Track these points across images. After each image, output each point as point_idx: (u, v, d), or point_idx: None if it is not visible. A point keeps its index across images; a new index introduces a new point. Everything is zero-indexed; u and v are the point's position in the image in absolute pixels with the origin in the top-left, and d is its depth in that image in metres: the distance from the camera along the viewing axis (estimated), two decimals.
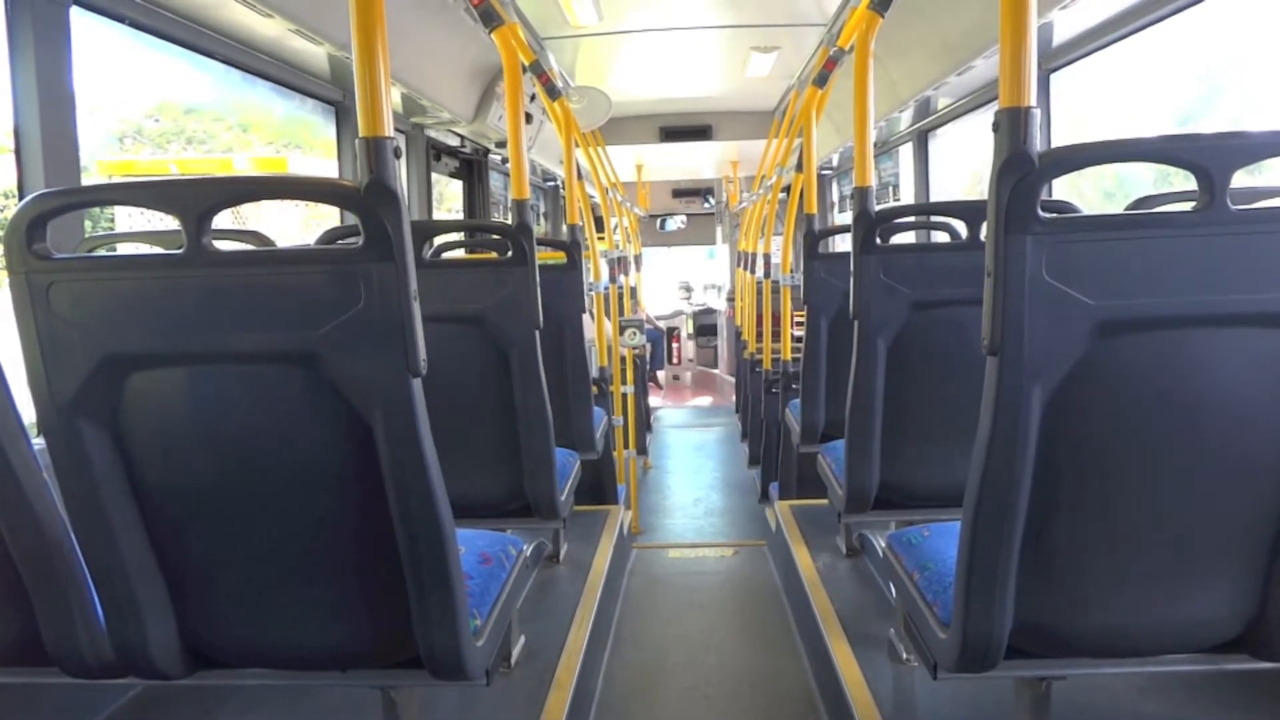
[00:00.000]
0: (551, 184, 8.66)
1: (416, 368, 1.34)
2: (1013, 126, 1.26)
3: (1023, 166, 1.26)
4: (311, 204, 4.37)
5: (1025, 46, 1.25)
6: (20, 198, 2.06)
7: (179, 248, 1.33)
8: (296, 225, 4.59)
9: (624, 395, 4.67)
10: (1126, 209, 2.34)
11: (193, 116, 4.19)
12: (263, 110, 4.21)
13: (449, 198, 5.94)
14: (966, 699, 2.25)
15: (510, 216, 2.51)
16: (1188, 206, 1.33)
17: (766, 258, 5.64)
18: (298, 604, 1.56)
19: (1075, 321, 1.30)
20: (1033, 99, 1.25)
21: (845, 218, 7.56)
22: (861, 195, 2.36)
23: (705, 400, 10.46)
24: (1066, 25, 3.15)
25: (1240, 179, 1.32)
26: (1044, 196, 1.30)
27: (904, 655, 2.41)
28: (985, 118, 4.25)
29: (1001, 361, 1.32)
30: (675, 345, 11.64)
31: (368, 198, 1.29)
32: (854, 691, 2.33)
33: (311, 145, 4.28)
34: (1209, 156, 1.27)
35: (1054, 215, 1.31)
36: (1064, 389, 1.33)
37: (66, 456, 1.41)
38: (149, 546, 1.50)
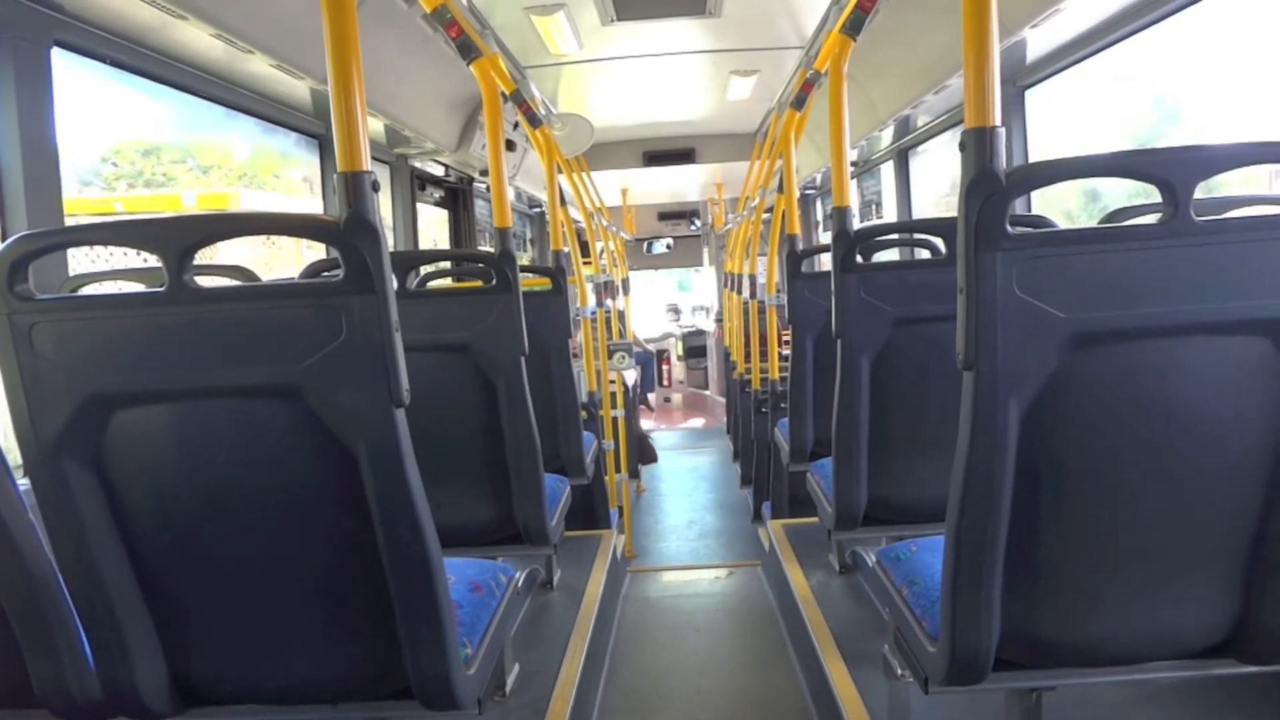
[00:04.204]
0: (537, 210, 8.69)
1: (400, 398, 1.34)
2: (979, 146, 1.28)
3: (990, 185, 1.28)
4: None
5: (988, 67, 1.28)
6: (2, 238, 2.07)
7: (161, 285, 1.34)
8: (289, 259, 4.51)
9: (614, 419, 4.67)
10: (1100, 221, 2.38)
11: (151, 159, 4.09)
12: (225, 150, 4.11)
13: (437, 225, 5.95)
14: (961, 713, 2.25)
15: (494, 244, 2.53)
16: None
17: (752, 278, 5.67)
18: (287, 638, 1.56)
19: (1048, 335, 1.32)
20: (997, 118, 1.28)
21: (830, 237, 7.58)
22: (840, 215, 2.39)
23: (697, 422, 10.45)
24: (1039, 42, 3.19)
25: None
26: (1023, 211, 1.32)
27: (898, 671, 2.41)
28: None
29: (977, 376, 1.34)
30: (665, 368, 11.65)
31: (347, 231, 1.30)
32: (849, 709, 2.33)
33: (273, 185, 4.19)
34: (1171, 170, 1.29)
35: (1025, 230, 1.33)
36: (1040, 401, 1.35)
37: (52, 496, 1.41)
38: (136, 584, 1.50)
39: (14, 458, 1.45)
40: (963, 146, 1.30)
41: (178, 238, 1.33)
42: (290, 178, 3.90)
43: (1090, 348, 1.33)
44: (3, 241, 1.48)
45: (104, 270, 2.66)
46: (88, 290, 2.15)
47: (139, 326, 1.36)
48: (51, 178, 2.14)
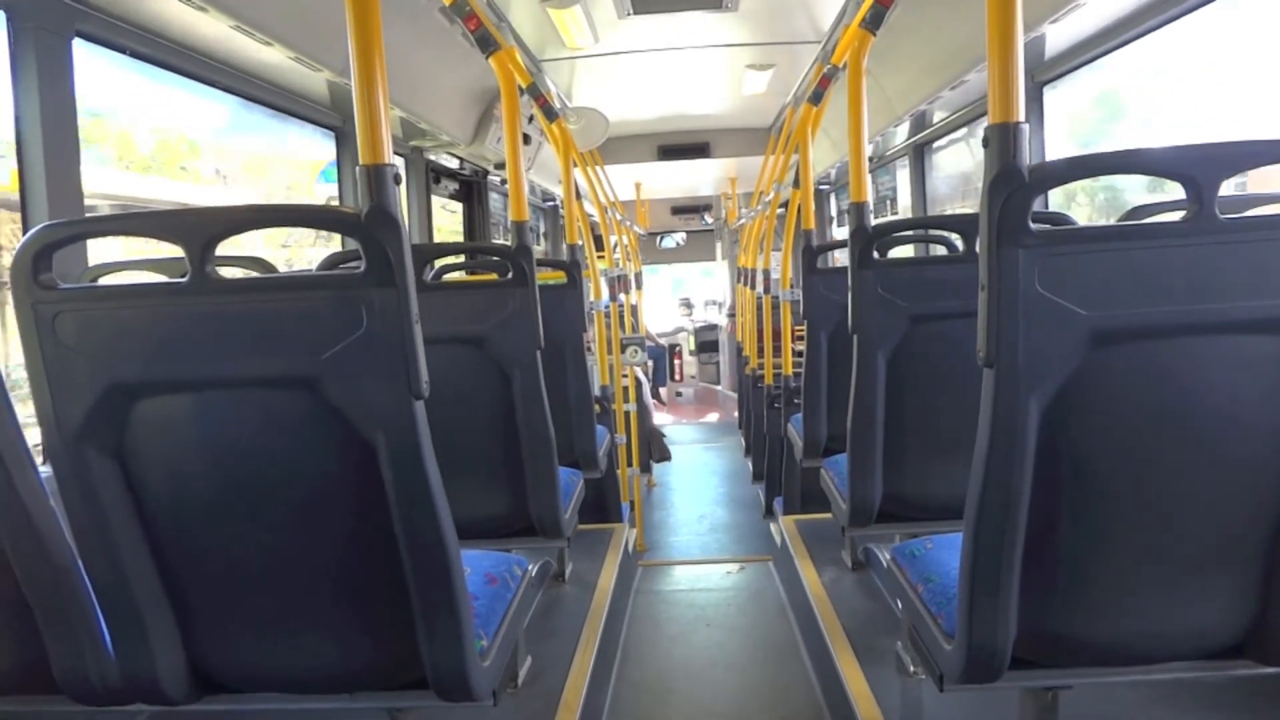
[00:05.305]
0: (551, 204, 8.70)
1: (419, 390, 1.35)
2: (1002, 142, 1.28)
3: (1013, 181, 1.28)
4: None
5: (1013, 62, 1.27)
6: (25, 228, 2.08)
7: (183, 275, 1.35)
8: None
9: (626, 413, 4.68)
10: (1120, 219, 2.36)
11: None
12: (126, 139, 3.82)
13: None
14: (975, 711, 2.24)
15: (510, 237, 2.54)
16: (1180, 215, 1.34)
17: (766, 273, 5.66)
18: (305, 627, 1.57)
19: (1069, 332, 1.31)
20: (1021, 114, 1.27)
21: (844, 232, 7.58)
22: (857, 210, 2.38)
23: (709, 417, 10.45)
24: (1059, 37, 3.17)
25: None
26: (1040, 208, 1.31)
27: (911, 668, 2.40)
28: (981, 129, 4.29)
29: (997, 373, 1.33)
30: (677, 362, 11.64)
31: (369, 224, 1.30)
32: (862, 706, 2.33)
33: (180, 176, 3.95)
34: (1197, 167, 1.28)
35: (1046, 227, 1.32)
36: (1060, 399, 1.34)
37: (73, 484, 1.42)
38: (156, 573, 1.51)
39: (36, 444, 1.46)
40: (986, 142, 1.29)
41: (201, 229, 1.34)
42: (197, 169, 3.74)
43: (1112, 345, 1.32)
44: (25, 232, 1.49)
45: (124, 260, 2.68)
46: (107, 280, 2.17)
47: (161, 317, 1.37)
48: (72, 167, 2.15)
